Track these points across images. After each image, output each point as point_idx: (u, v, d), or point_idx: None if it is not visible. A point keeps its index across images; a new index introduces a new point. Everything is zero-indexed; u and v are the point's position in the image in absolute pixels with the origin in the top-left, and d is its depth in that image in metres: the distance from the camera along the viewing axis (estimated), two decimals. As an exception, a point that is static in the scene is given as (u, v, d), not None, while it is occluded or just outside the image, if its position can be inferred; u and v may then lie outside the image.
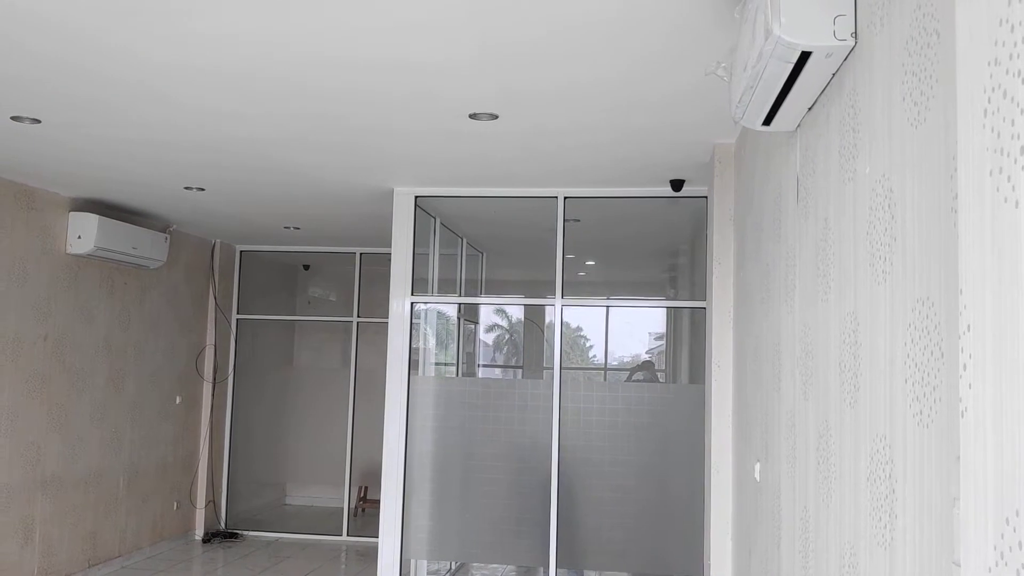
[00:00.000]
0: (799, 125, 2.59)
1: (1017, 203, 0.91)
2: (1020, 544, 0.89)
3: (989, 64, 0.99)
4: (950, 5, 1.37)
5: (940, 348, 1.41)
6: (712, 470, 4.36)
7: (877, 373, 1.76)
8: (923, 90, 1.53)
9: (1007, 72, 0.95)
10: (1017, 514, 0.89)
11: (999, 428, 0.95)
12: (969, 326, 1.03)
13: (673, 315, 7.75)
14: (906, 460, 1.57)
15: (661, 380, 8.49)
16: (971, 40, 1.04)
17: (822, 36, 2.00)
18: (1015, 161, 0.92)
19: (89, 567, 6.45)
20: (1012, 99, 0.93)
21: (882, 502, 1.71)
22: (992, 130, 0.98)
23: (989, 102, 0.99)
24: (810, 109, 2.44)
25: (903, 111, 1.63)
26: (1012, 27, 0.93)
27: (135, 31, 3.07)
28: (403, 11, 2.83)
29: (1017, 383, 0.91)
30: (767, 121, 2.59)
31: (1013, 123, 0.93)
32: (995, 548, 0.94)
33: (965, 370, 1.04)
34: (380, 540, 5.59)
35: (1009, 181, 0.93)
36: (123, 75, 3.54)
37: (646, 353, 9.32)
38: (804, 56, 2.08)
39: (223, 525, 8.26)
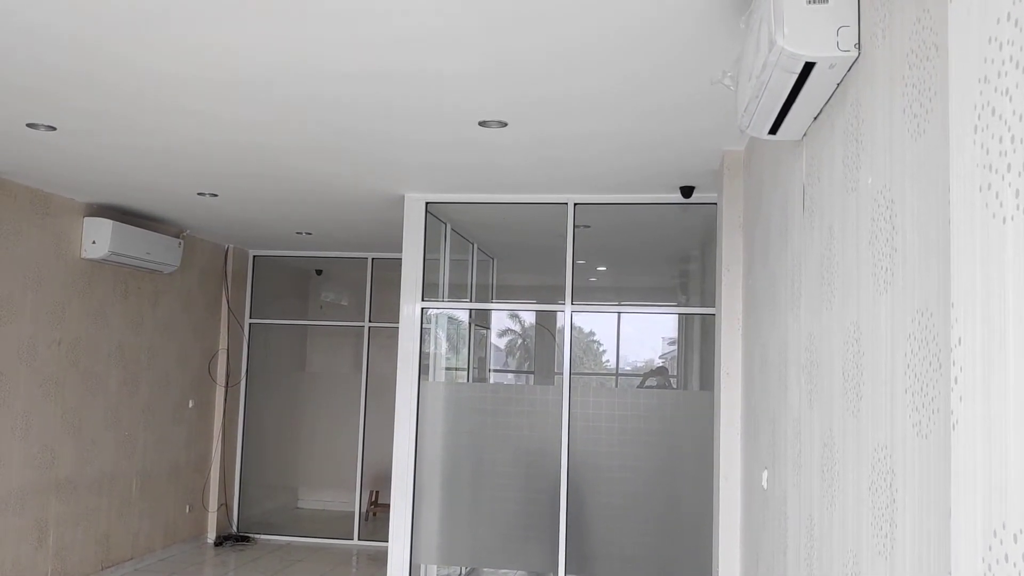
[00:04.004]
0: (805, 134, 2.60)
1: (1004, 219, 0.92)
2: (1007, 556, 0.90)
3: (979, 81, 1.00)
4: (947, 20, 1.38)
5: (938, 359, 1.42)
6: (721, 477, 4.36)
7: (878, 383, 1.77)
8: (922, 103, 1.54)
9: (995, 90, 0.96)
10: (1004, 526, 0.90)
11: (988, 441, 0.96)
12: (960, 339, 1.04)
13: (684, 321, 7.74)
14: (906, 470, 1.58)
15: (674, 386, 8.48)
16: (962, 57, 1.06)
17: (825, 47, 2.01)
18: (1002, 178, 0.93)
19: (102, 569, 6.50)
20: (1000, 116, 0.94)
21: (883, 511, 1.72)
22: (982, 146, 0.99)
23: (979, 119, 1.00)
24: (816, 118, 2.45)
25: (903, 123, 1.64)
26: (1000, 45, 0.94)
27: (150, 44, 3.10)
28: (416, 24, 2.86)
29: (1005, 397, 0.92)
30: (773, 130, 2.59)
31: (1001, 140, 0.94)
32: (983, 560, 0.95)
33: (956, 383, 1.05)
34: (390, 544, 5.61)
35: (997, 197, 0.94)
36: (138, 87, 3.58)
37: (660, 358, 9.30)
38: (808, 67, 2.08)
39: (235, 528, 8.31)
